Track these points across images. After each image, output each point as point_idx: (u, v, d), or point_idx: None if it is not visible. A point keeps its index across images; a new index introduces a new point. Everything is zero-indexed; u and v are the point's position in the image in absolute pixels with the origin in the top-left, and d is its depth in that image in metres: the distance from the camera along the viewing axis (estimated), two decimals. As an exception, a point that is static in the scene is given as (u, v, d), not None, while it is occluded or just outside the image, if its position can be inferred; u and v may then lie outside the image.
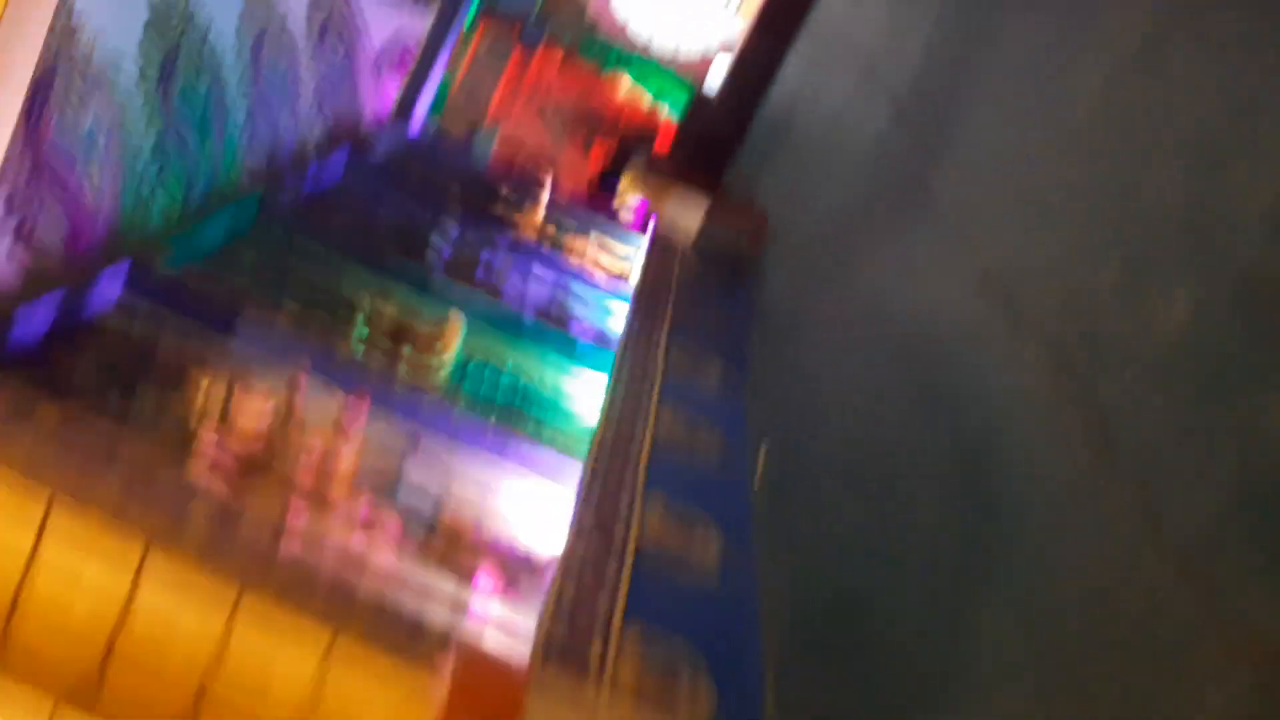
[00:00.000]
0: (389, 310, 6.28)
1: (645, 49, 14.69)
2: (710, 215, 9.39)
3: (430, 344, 6.22)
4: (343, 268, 6.81)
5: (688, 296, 8.17)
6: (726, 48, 15.10)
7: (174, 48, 6.11)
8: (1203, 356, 2.65)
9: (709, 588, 4.50)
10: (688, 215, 9.10)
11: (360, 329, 6.09)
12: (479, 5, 13.97)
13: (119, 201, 5.54)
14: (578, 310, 7.93)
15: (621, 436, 5.55)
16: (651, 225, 9.46)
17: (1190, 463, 2.43)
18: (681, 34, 15.05)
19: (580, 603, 4.05)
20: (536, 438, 5.73)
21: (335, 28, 8.20)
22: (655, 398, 6.19)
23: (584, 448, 5.62)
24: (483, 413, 5.70)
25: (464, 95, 15.02)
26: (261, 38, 7.14)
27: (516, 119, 15.39)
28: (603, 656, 3.79)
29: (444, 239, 7.68)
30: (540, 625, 3.86)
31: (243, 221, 6.75)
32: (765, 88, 13.82)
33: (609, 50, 14.67)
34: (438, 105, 14.69)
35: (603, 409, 5.90)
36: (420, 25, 9.18)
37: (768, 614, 4.49)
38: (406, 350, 6.14)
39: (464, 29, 14.12)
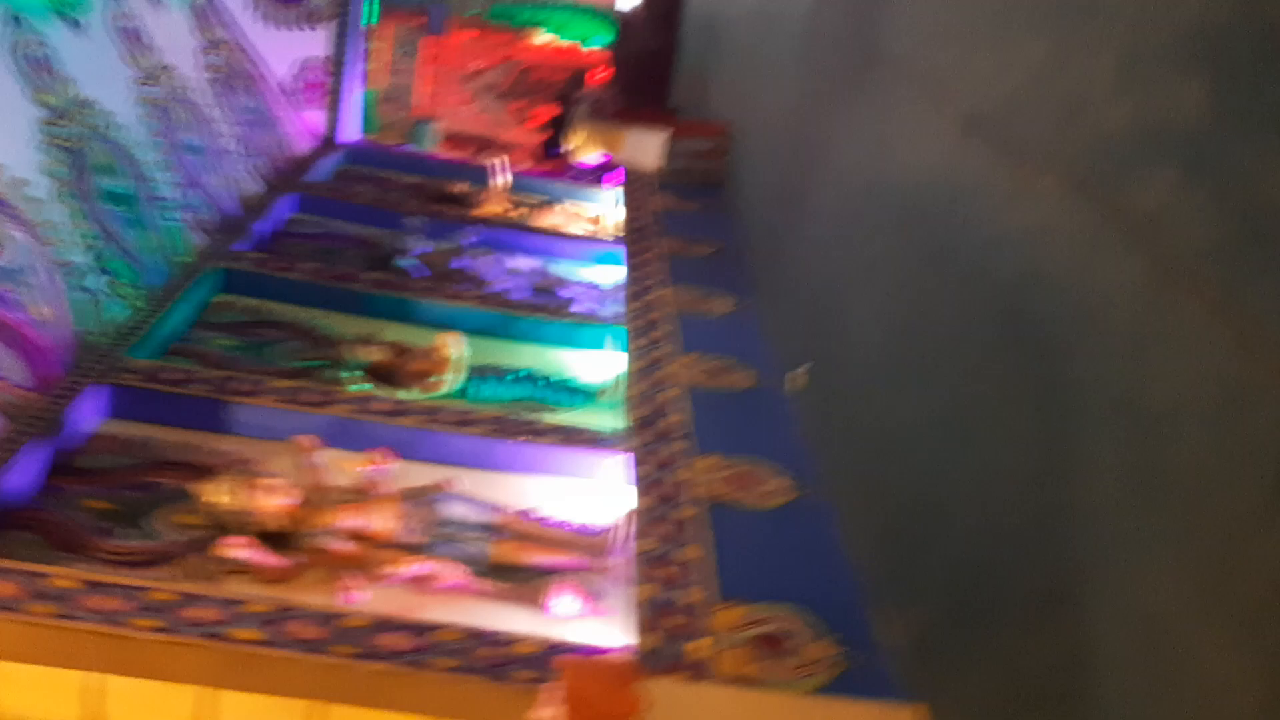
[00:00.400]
0: (377, 353, 5.99)
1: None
2: (669, 143, 9.03)
3: (429, 376, 5.93)
4: (318, 317, 6.52)
5: (674, 234, 7.85)
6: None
7: (78, 154, 5.79)
8: (1231, 141, 2.34)
9: (790, 537, 4.26)
10: (648, 150, 8.75)
11: (355, 381, 5.80)
12: (377, 9, 13.53)
13: (73, 326, 5.27)
14: (568, 287, 7.61)
15: (655, 407, 5.28)
16: (616, 173, 9.11)
17: (1256, 258, 2.14)
18: (582, -30, 14.55)
19: (668, 598, 3.81)
20: (567, 435, 5.46)
21: (234, 78, 7.84)
22: (676, 351, 5.91)
23: (619, 430, 5.36)
24: (505, 426, 5.42)
25: (389, 101, 14.61)
26: (165, 113, 6.81)
27: (448, 109, 14.98)
28: (706, 646, 3.56)
29: (410, 254, 7.35)
30: (636, 629, 3.63)
31: (207, 295, 6.46)
32: (680, -3, 13.36)
33: (516, 10, 14.20)
34: (368, 119, 14.31)
35: (626, 381, 5.63)
36: (319, 46, 8.79)
37: (853, 542, 4.24)
38: (409, 391, 5.87)
39: (367, 38, 13.69)
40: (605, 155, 9.00)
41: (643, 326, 6.28)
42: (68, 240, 5.47)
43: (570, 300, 7.33)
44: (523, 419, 5.60)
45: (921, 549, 3.68)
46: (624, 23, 14.01)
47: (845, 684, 3.48)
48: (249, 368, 5.81)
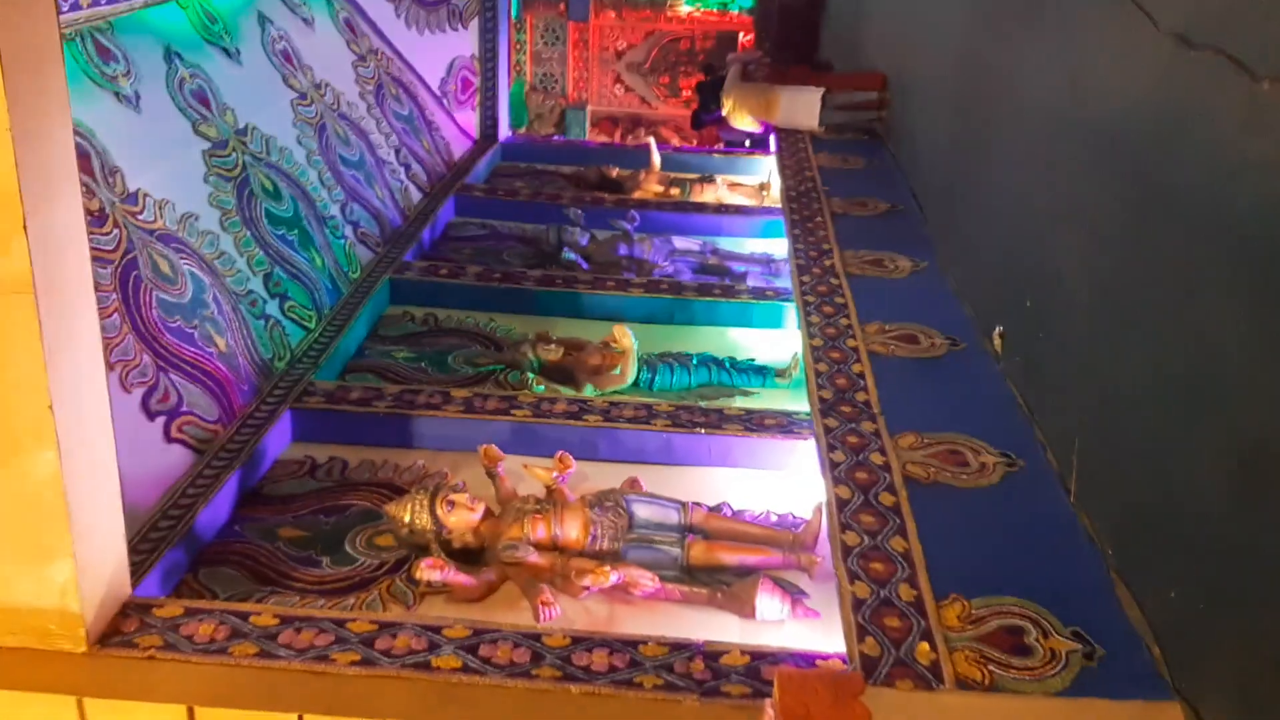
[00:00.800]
0: (552, 352, 5.83)
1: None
2: (826, 98, 8.60)
3: (607, 370, 5.74)
4: (490, 320, 6.42)
5: (840, 195, 7.44)
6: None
7: (241, 181, 5.82)
8: None
9: (1010, 519, 3.86)
10: (804, 110, 8.35)
11: (533, 383, 5.67)
12: (518, 3, 13.49)
13: (254, 353, 5.30)
14: (739, 263, 7.31)
15: (840, 385, 4.95)
16: (774, 138, 8.73)
17: None
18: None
19: (882, 595, 3.49)
20: (752, 423, 5.18)
21: (389, 87, 7.83)
22: (856, 321, 5.55)
23: (806, 413, 5.04)
24: (688, 418, 5.18)
25: (538, 90, 14.57)
26: (323, 131, 6.82)
27: (596, 92, 14.83)
28: (930, 649, 3.22)
29: (574, 245, 7.18)
30: (851, 633, 3.33)
31: (380, 308, 6.45)
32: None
33: (656, -17, 13.92)
34: (518, 111, 14.30)
35: (806, 359, 5.30)
36: (468, 44, 8.72)
37: (1084, 520, 3.82)
38: (587, 389, 5.69)
39: (512, 30, 13.67)
40: (760, 121, 8.64)
41: (817, 299, 5.93)
42: (240, 269, 5.50)
43: (743, 276, 7.03)
44: (705, 408, 5.35)
45: (1168, 525, 3.24)
46: (766, -18, 13.56)
47: (1091, 681, 3.10)
48: (428, 379, 5.75)
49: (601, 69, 14.57)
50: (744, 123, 8.54)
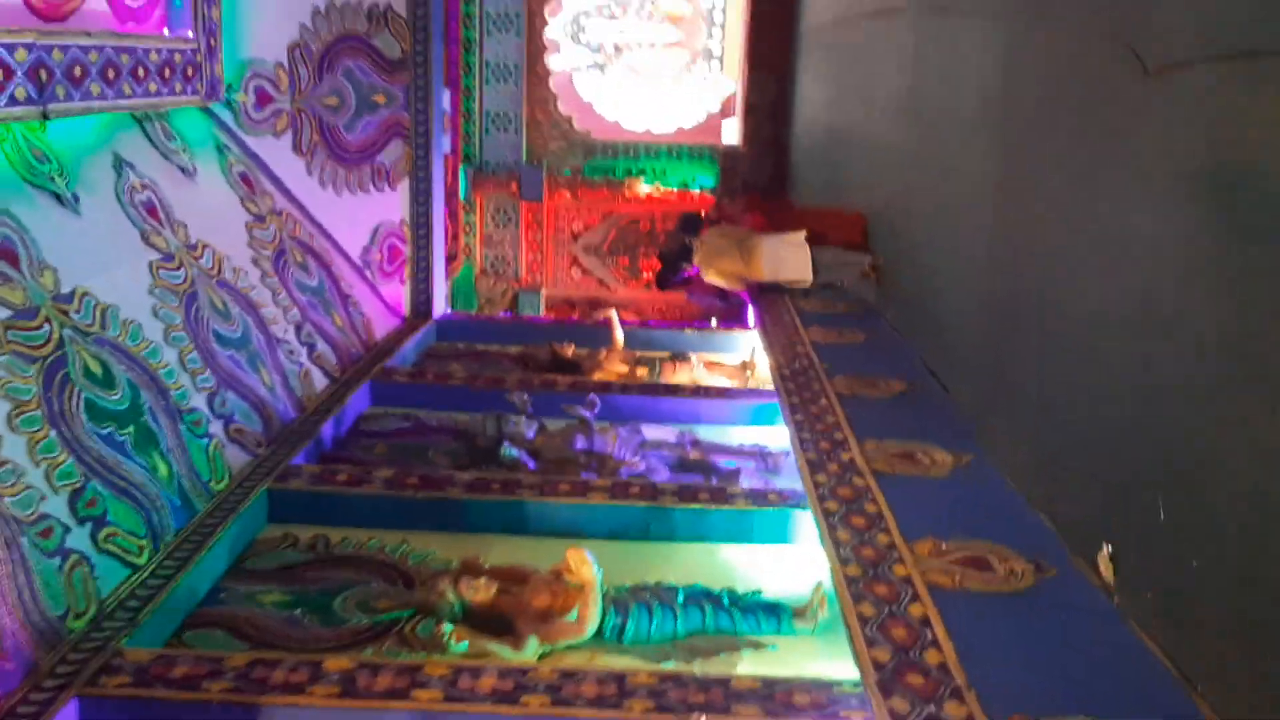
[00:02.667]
0: (480, 590, 4.00)
1: (647, 143, 12.72)
2: (812, 242, 7.09)
3: (557, 616, 3.91)
4: (403, 543, 4.60)
5: (843, 373, 5.84)
6: (728, 99, 13.13)
7: (54, 363, 4.08)
8: None
9: None
10: (793, 257, 6.83)
11: (450, 638, 3.82)
12: (467, 178, 12.20)
13: (32, 608, 3.46)
14: (727, 457, 5.59)
15: (899, 637, 3.18)
16: (754, 310, 7.16)
17: None
18: (675, 109, 13.09)
19: None
20: (774, 698, 3.35)
21: (294, 253, 6.24)
22: (899, 538, 3.82)
23: (854, 682, 3.21)
24: (676, 694, 3.33)
25: (489, 275, 13.12)
26: (192, 301, 5.15)
27: (553, 275, 13.43)
28: None
29: (518, 439, 5.45)
30: None
31: (251, 532, 4.63)
32: (788, 112, 11.72)
33: (613, 163, 12.71)
34: (466, 297, 12.79)
35: (839, 592, 3.53)
36: (396, 208, 7.22)
37: None
38: (529, 645, 3.85)
39: (460, 211, 12.31)
40: (740, 279, 7.07)
41: (841, 506, 4.20)
42: (30, 484, 3.70)
43: (734, 475, 5.30)
44: (701, 678, 3.51)
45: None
46: (728, 158, 12.43)
47: None
48: (299, 636, 3.89)
49: (557, 251, 13.23)
50: (720, 279, 6.96)
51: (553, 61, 12.55)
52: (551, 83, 12.51)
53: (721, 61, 13.23)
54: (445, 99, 7.70)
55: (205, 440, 4.77)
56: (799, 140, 11.15)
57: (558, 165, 12.56)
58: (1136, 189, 3.55)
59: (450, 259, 11.60)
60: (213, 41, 5.70)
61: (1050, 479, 4.16)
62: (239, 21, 5.98)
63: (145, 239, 5.04)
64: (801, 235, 7.00)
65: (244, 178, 6.09)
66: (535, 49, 12.27)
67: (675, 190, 12.67)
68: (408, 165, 7.09)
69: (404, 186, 7.13)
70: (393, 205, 7.13)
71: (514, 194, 12.46)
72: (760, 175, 11.83)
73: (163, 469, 4.39)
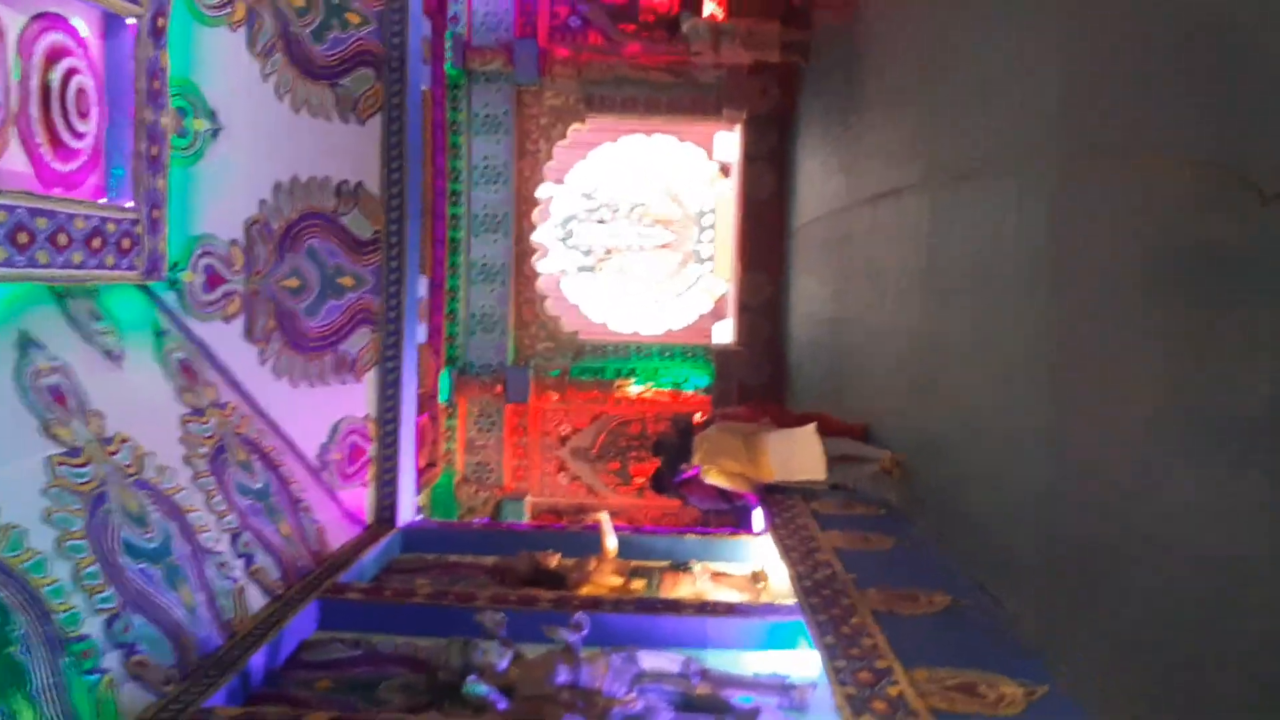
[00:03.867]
0: None
1: (637, 343, 12.12)
2: (825, 443, 6.23)
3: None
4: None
5: (874, 583, 4.88)
6: (720, 299, 12.62)
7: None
8: None
9: None
10: (805, 451, 5.95)
11: None
12: (448, 383, 11.47)
13: None
14: (741, 692, 4.52)
15: None
16: (763, 512, 6.23)
17: None
18: (666, 311, 12.56)
19: None
20: None
21: (235, 451, 5.35)
22: None
23: None
24: None
25: (471, 482, 12.19)
26: (98, 505, 4.23)
27: (539, 481, 12.52)
28: None
29: (487, 670, 4.40)
30: None
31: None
32: (784, 310, 11.14)
33: (603, 363, 12.05)
34: (448, 507, 11.81)
35: None
36: (360, 402, 6.40)
37: None
38: None
39: (442, 416, 11.52)
40: (746, 480, 6.15)
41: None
42: None
43: (752, 715, 4.23)
44: None
45: None
46: (722, 358, 11.79)
47: None
48: None
49: (543, 456, 12.38)
50: (723, 479, 6.04)
51: (541, 264, 12.08)
52: (539, 283, 12.00)
53: (713, 262, 12.80)
54: (422, 285, 7.00)
55: (94, 677, 3.74)
56: (797, 338, 10.50)
57: (545, 366, 11.89)
58: (1267, 357, 2.73)
59: (430, 466, 10.70)
60: (156, 213, 5.00)
61: (1156, 713, 3.16)
62: (190, 193, 5.31)
63: (46, 429, 4.15)
64: (812, 428, 6.17)
65: (184, 366, 5.28)
66: (523, 250, 11.81)
67: (668, 391, 11.96)
68: (375, 355, 6.31)
69: (371, 378, 6.33)
70: (357, 399, 6.31)
71: (498, 397, 11.72)
72: (758, 375, 11.13)
73: (27, 718, 3.35)
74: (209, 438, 5.21)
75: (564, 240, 12.72)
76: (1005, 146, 4.86)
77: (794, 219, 10.77)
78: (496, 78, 11.21)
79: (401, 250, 6.24)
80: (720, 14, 10.94)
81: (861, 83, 7.94)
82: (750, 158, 11.36)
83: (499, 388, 11.58)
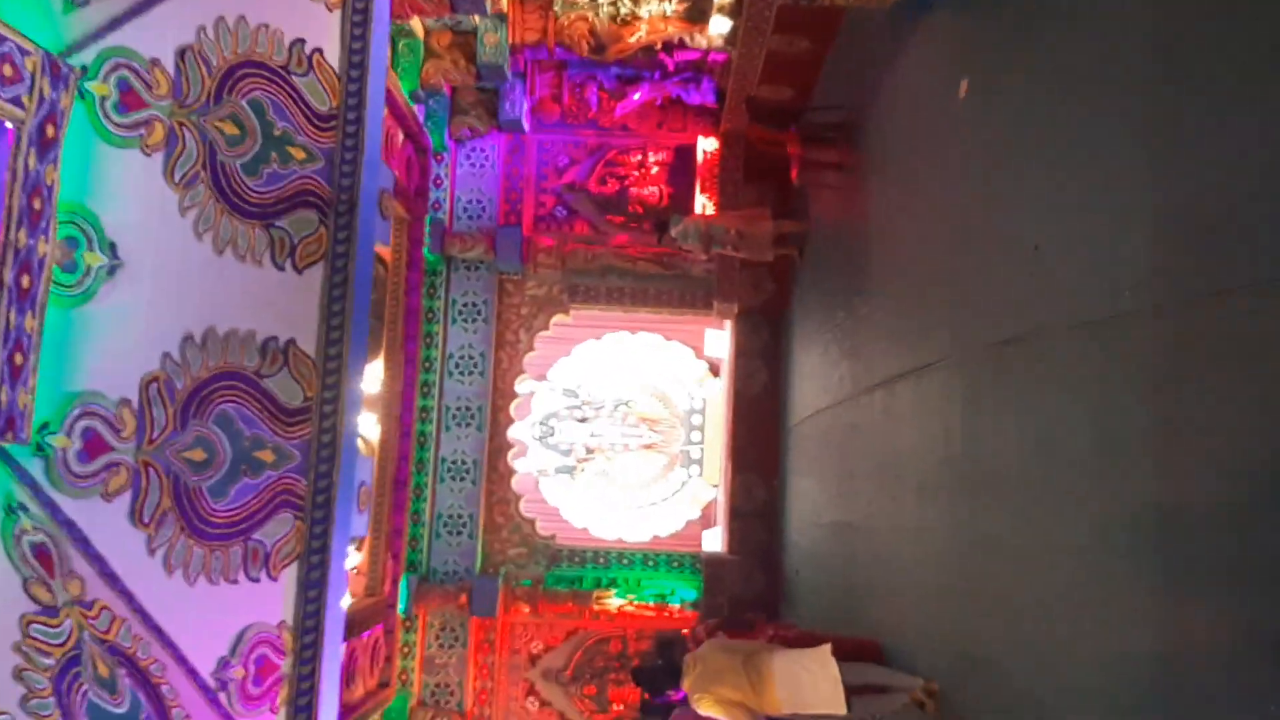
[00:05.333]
0: None
1: (619, 550, 10.82)
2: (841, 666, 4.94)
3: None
4: None
5: None
6: (709, 505, 11.43)
7: None
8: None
9: None
10: (818, 678, 4.65)
11: None
12: (410, 588, 10.10)
13: None
14: None
15: None
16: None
17: None
18: (652, 516, 11.35)
19: None
20: None
21: (97, 662, 4.05)
22: None
23: None
24: None
25: (428, 705, 10.57)
26: None
27: (504, 707, 10.90)
28: None
29: None
30: None
31: None
32: (780, 516, 9.97)
33: (581, 571, 10.72)
34: (398, 733, 10.16)
35: None
36: (276, 605, 5.08)
37: None
38: None
39: (399, 629, 10.09)
40: (742, 718, 4.80)
41: None
42: None
43: None
44: None
45: None
46: (712, 568, 10.50)
47: None
48: None
49: (510, 677, 10.82)
50: (719, 710, 4.64)
51: (518, 462, 10.96)
52: (514, 482, 10.83)
53: (701, 465, 11.69)
54: (366, 467, 5.87)
55: None
56: (796, 545, 9.29)
57: (516, 575, 10.53)
58: None
59: (382, 686, 9.21)
60: (19, 358, 3.94)
61: None
62: (73, 340, 4.27)
63: None
64: (827, 650, 4.91)
65: (41, 552, 4.07)
66: (498, 446, 10.69)
67: (652, 604, 10.57)
68: (298, 547, 5.09)
69: (290, 577, 5.09)
70: (271, 602, 5.05)
71: (463, 608, 10.30)
72: (751, 586, 9.83)
73: None
74: (59, 645, 3.95)
75: (543, 439, 11.67)
76: (1058, 307, 3.90)
77: (789, 416, 9.77)
78: (477, 265, 10.45)
79: (338, 422, 5.14)
80: (711, 206, 10.32)
81: (866, 263, 7.12)
82: (742, 353, 10.48)
83: (464, 598, 10.21)
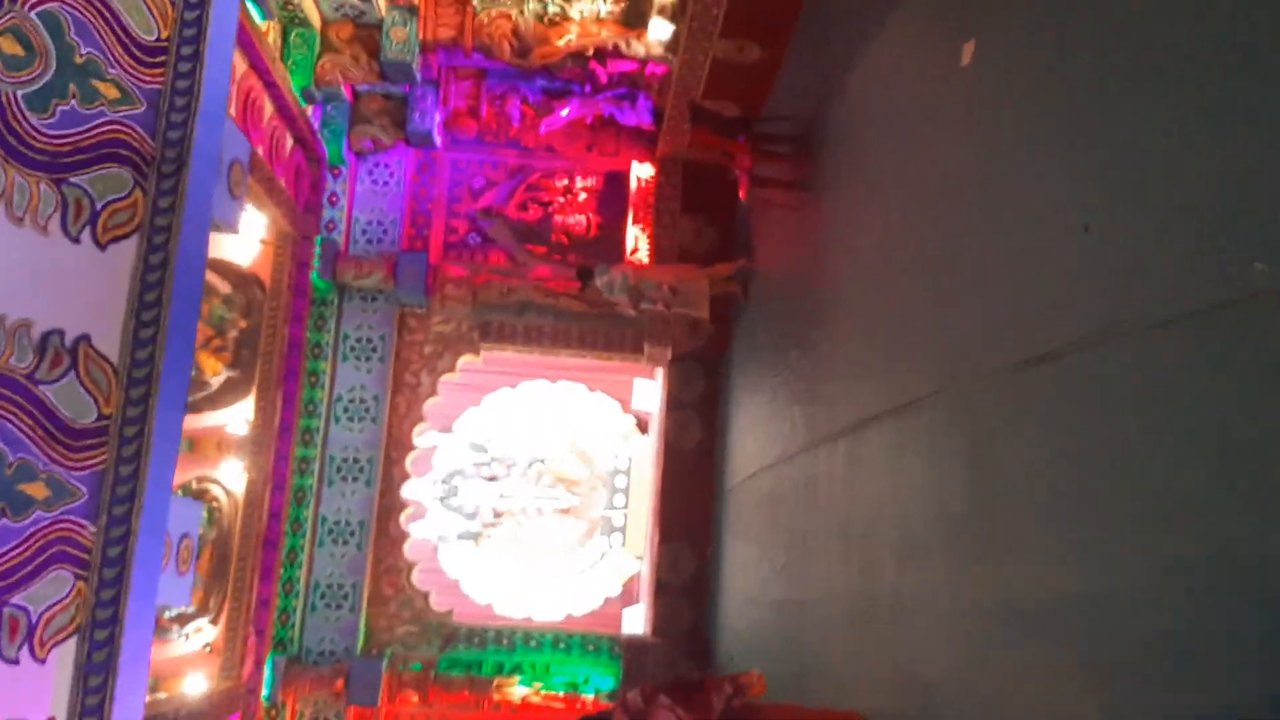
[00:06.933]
0: None
1: (526, 630, 9.49)
2: None
3: None
4: None
5: None
6: (631, 579, 10.22)
7: None
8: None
9: None
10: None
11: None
12: (276, 670, 8.69)
13: None
14: None
15: None
16: None
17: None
18: (566, 592, 10.09)
19: None
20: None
21: None
22: None
23: None
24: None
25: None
26: None
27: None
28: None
29: None
30: None
31: None
32: (713, 590, 8.84)
33: (480, 654, 9.37)
34: None
35: None
36: (38, 700, 3.78)
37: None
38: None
39: (264, 710, 8.65)
40: None
41: None
42: None
43: None
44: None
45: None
46: (632, 651, 9.25)
47: None
48: None
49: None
50: None
51: (412, 526, 9.65)
52: (407, 548, 9.51)
53: (624, 533, 10.53)
54: (192, 511, 4.60)
55: None
56: (730, 628, 8.13)
57: (405, 656, 9.15)
58: None
59: (236, 788, 7.77)
60: None
61: None
62: None
63: None
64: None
65: None
66: (390, 505, 9.38)
67: (562, 695, 9.27)
68: (78, 617, 3.78)
69: (61, 659, 3.78)
70: (36, 692, 3.71)
71: (340, 695, 8.88)
72: (676, 673, 8.61)
73: None
74: None
75: (444, 499, 10.41)
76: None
77: (728, 476, 8.69)
78: (374, 295, 9.26)
79: (143, 449, 3.91)
80: (644, 239, 9.32)
81: (825, 292, 6.15)
82: (675, 405, 9.40)
83: (340, 683, 8.80)
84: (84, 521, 3.84)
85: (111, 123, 3.87)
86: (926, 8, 4.90)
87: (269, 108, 7.54)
